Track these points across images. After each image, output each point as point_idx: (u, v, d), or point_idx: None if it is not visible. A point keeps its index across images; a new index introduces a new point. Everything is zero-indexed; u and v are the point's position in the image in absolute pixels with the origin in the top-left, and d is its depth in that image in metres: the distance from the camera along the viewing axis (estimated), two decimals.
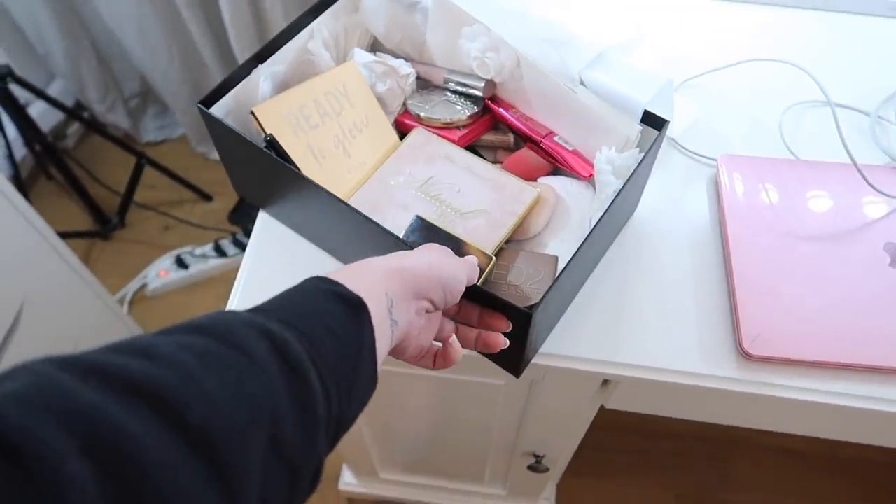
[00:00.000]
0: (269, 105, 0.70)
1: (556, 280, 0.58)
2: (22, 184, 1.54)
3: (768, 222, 0.76)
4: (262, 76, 0.73)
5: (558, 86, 0.71)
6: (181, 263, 1.77)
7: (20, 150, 1.75)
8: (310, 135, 0.72)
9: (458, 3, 0.74)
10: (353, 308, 0.42)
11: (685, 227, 0.78)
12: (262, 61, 0.74)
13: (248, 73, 0.73)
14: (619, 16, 0.97)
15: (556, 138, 0.75)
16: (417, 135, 0.77)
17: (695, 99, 0.90)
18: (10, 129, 1.49)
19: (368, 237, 0.66)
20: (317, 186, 0.65)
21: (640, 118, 0.69)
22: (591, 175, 0.73)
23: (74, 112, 1.65)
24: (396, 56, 0.84)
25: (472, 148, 0.80)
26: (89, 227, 1.85)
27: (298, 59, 0.78)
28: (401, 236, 0.67)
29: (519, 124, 0.76)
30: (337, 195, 0.69)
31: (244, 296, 0.75)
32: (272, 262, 0.78)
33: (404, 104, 0.80)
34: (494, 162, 0.81)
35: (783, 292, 0.71)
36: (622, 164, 0.67)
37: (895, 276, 0.72)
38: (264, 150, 0.68)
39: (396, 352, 0.50)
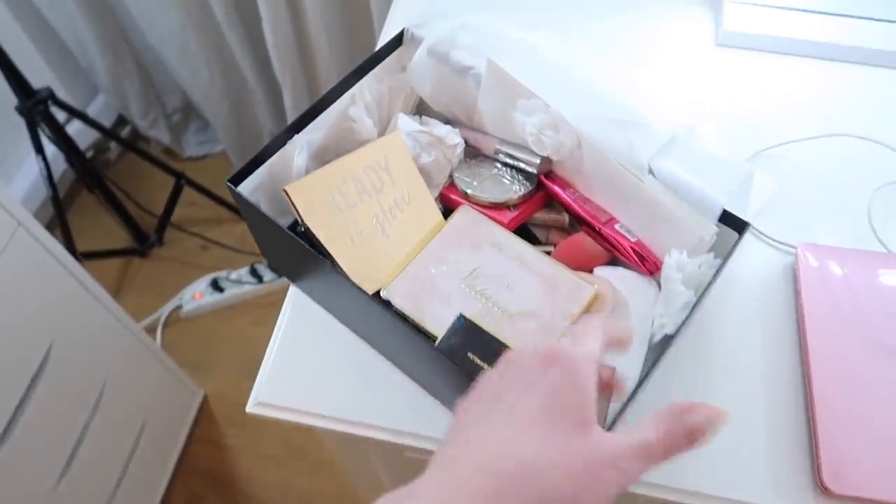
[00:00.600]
0: (303, 183, 0.64)
1: (623, 408, 0.51)
2: (60, 203, 1.52)
3: (857, 332, 0.67)
4: (298, 149, 0.67)
5: (624, 173, 0.63)
6: (216, 286, 1.74)
7: (61, 166, 1.74)
8: (346, 214, 0.66)
9: (515, 73, 0.67)
10: None
11: (757, 326, 0.70)
12: (299, 131, 0.68)
13: (283, 143, 0.67)
14: (690, 90, 0.89)
15: (617, 226, 0.68)
16: (463, 215, 0.70)
17: (771, 172, 0.81)
18: (50, 149, 1.48)
19: (400, 334, 0.60)
20: (346, 279, 0.59)
21: (716, 217, 0.61)
22: (655, 272, 0.66)
23: (112, 132, 1.62)
24: (443, 118, 0.78)
25: (524, 226, 0.73)
26: (127, 245, 1.83)
27: (338, 125, 0.72)
28: (441, 336, 0.61)
29: (576, 207, 0.69)
30: (368, 288, 0.64)
31: (272, 374, 0.70)
32: (302, 340, 0.72)
33: (451, 176, 0.74)
34: (546, 242, 0.74)
35: (873, 418, 0.62)
36: (695, 272, 0.59)
37: None
38: (293, 235, 0.62)
39: None
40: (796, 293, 0.72)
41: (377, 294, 0.66)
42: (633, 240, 0.67)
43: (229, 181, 0.64)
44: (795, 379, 0.67)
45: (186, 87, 1.71)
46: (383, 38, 0.94)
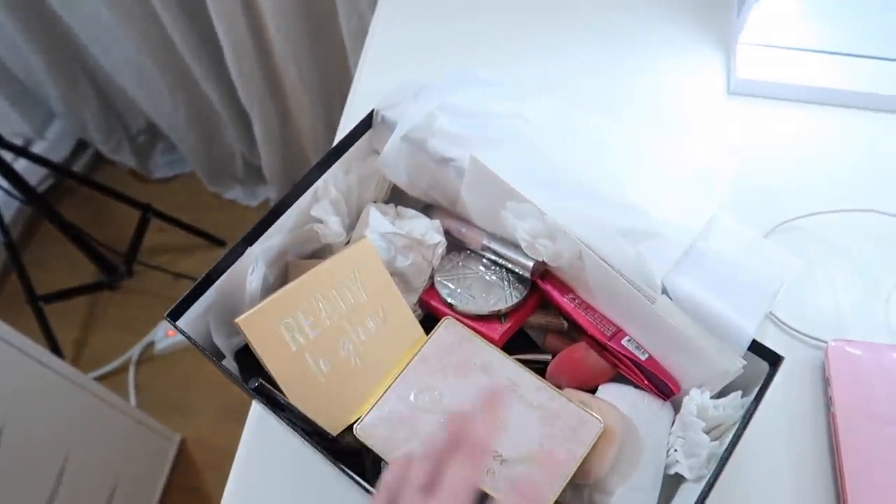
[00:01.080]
0: (258, 314, 0.55)
1: None
2: (14, 248, 1.41)
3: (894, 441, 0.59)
4: (250, 267, 0.57)
5: (632, 292, 0.54)
6: None
7: (15, 203, 1.62)
8: (311, 344, 0.57)
9: (503, 168, 0.58)
10: None
11: (783, 435, 0.62)
12: (252, 243, 0.58)
13: (234, 261, 0.58)
14: (703, 151, 0.79)
15: (625, 341, 0.59)
16: (447, 331, 0.61)
17: (792, 247, 0.72)
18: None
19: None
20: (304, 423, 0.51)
21: (744, 348, 0.52)
22: (669, 397, 0.57)
23: (63, 168, 1.51)
24: (422, 203, 0.68)
25: (517, 332, 0.64)
26: (95, 279, 1.72)
27: (299, 227, 0.63)
28: None
29: (578, 316, 0.60)
30: (337, 426, 0.55)
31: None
32: (266, 463, 0.64)
33: (431, 277, 0.64)
34: (543, 347, 0.65)
35: None
36: (719, 417, 0.51)
37: None
38: (239, 381, 0.53)
39: None
40: (827, 397, 0.63)
41: (350, 428, 0.57)
42: (643, 357, 0.58)
43: (168, 315, 0.55)
44: (828, 488, 0.59)
45: (149, 112, 1.60)
46: (348, 113, 0.84)
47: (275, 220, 0.60)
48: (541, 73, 0.85)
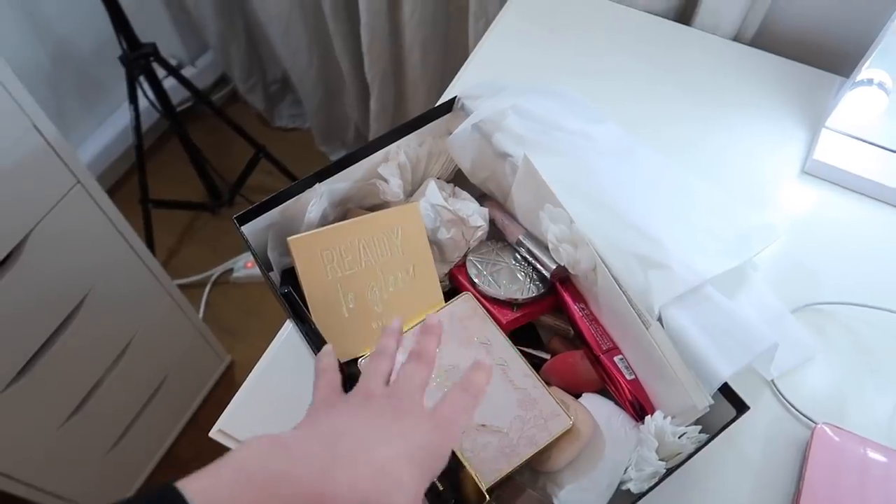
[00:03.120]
0: (308, 238, 0.63)
1: None
2: (142, 152, 1.59)
3: None
4: (314, 199, 0.66)
5: (630, 313, 0.59)
6: None
7: (154, 116, 1.82)
8: (345, 277, 0.65)
9: (550, 174, 0.64)
10: None
11: (748, 487, 0.64)
12: (322, 180, 0.67)
13: (303, 190, 0.67)
14: (761, 212, 0.82)
15: (617, 359, 0.63)
16: (463, 304, 0.67)
17: (815, 329, 0.74)
18: (145, 101, 1.54)
19: None
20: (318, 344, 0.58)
21: (713, 389, 0.56)
22: (642, 420, 0.61)
23: (204, 96, 1.68)
24: (479, 191, 0.75)
25: (530, 324, 0.70)
26: (202, 199, 1.90)
27: (366, 179, 0.71)
28: None
29: (582, 325, 0.65)
30: (342, 355, 0.63)
31: (241, 405, 0.70)
32: (283, 377, 0.72)
33: (466, 254, 0.71)
34: (546, 347, 0.71)
35: None
36: (673, 443, 0.55)
37: None
38: (275, 291, 0.61)
39: None
40: (800, 475, 0.65)
41: (355, 361, 0.65)
42: (629, 378, 0.63)
43: (237, 218, 0.64)
44: None
45: (286, 65, 1.75)
46: (446, 97, 0.91)
47: (347, 167, 0.68)
48: (628, 113, 0.90)
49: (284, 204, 0.66)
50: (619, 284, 0.59)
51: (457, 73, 0.96)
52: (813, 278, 0.77)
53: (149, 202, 1.67)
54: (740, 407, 0.55)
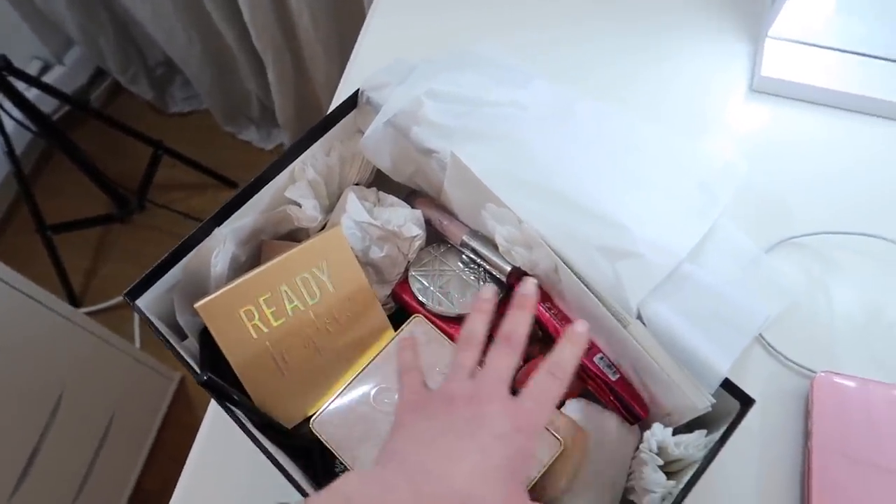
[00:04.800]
0: (219, 300, 0.53)
1: None
2: (24, 179, 1.41)
3: (869, 488, 0.57)
4: (217, 248, 0.55)
5: (605, 313, 0.51)
6: None
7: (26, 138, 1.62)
8: (273, 332, 0.55)
9: (486, 168, 0.54)
10: None
11: (757, 464, 0.60)
12: (221, 223, 0.57)
13: (201, 240, 0.56)
14: (715, 146, 0.74)
15: (597, 358, 0.56)
16: (415, 329, 0.59)
17: (795, 265, 0.68)
18: (10, 122, 1.35)
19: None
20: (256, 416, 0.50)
21: (714, 387, 0.49)
22: (636, 421, 0.55)
23: (73, 99, 1.49)
24: (407, 189, 0.65)
25: (492, 335, 0.62)
26: (107, 212, 1.73)
27: (274, 208, 0.60)
28: None
29: (552, 326, 0.58)
30: (291, 418, 0.55)
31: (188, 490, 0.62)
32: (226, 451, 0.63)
33: (406, 270, 0.62)
34: None
35: None
36: (680, 457, 0.49)
37: None
38: (193, 367, 0.52)
39: None
40: (806, 430, 0.61)
41: (306, 422, 0.56)
42: (613, 378, 0.56)
43: (127, 295, 0.53)
44: None
45: (164, 47, 1.56)
46: (341, 92, 0.80)
47: (246, 200, 0.58)
48: (554, 61, 0.80)
49: (183, 260, 0.56)
50: (586, 285, 0.52)
51: (355, 27, 0.84)
52: (782, 209, 0.71)
53: (47, 229, 1.51)
54: (745, 400, 0.49)
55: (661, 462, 0.49)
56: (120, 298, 1.67)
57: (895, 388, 0.61)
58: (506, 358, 0.45)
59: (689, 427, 0.52)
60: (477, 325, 0.49)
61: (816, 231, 0.68)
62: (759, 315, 0.51)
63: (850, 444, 0.59)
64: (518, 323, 0.47)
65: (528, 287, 0.49)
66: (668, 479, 0.49)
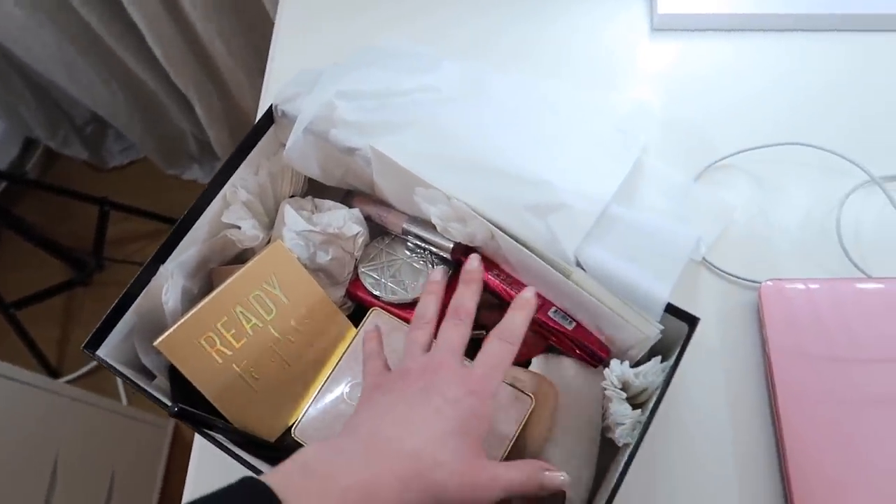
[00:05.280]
0: (177, 334, 0.54)
1: None
2: None
3: (829, 380, 0.60)
4: (165, 285, 0.56)
5: (546, 269, 0.53)
6: None
7: None
8: (238, 354, 0.56)
9: (408, 154, 0.56)
10: None
11: (722, 377, 0.63)
12: (164, 260, 0.57)
13: (147, 281, 0.57)
14: (628, 88, 0.76)
15: (552, 312, 0.58)
16: (375, 321, 0.60)
17: (724, 188, 0.71)
18: None
19: None
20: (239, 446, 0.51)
21: (659, 314, 0.52)
22: (599, 363, 0.57)
23: (7, 174, 1.48)
24: (342, 191, 0.67)
25: None
26: (66, 278, 1.71)
27: (214, 234, 0.61)
28: None
29: (503, 291, 0.59)
30: (274, 431, 0.56)
31: None
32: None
33: (356, 268, 0.63)
34: (476, 324, 0.65)
35: (851, 484, 0.56)
36: (640, 385, 0.51)
37: None
38: (163, 402, 0.53)
39: None
40: (762, 338, 0.64)
41: (288, 432, 0.58)
42: (570, 327, 0.58)
43: (86, 347, 0.54)
44: (766, 431, 0.60)
45: (87, 103, 1.55)
46: (261, 110, 0.80)
47: (184, 234, 0.58)
48: (457, 38, 0.82)
49: (134, 304, 0.56)
50: (523, 244, 0.54)
51: (267, 39, 0.85)
52: (704, 137, 0.74)
53: (9, 307, 1.49)
54: (691, 320, 0.51)
55: (625, 395, 0.51)
56: (94, 363, 1.67)
57: (837, 283, 0.64)
58: (455, 329, 0.48)
59: (650, 359, 0.54)
60: (428, 305, 0.51)
61: (738, 150, 0.71)
62: (689, 238, 0.54)
63: (803, 341, 0.62)
64: (465, 297, 0.50)
65: (472, 263, 0.51)
66: (635, 409, 0.52)
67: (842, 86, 0.74)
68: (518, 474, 0.43)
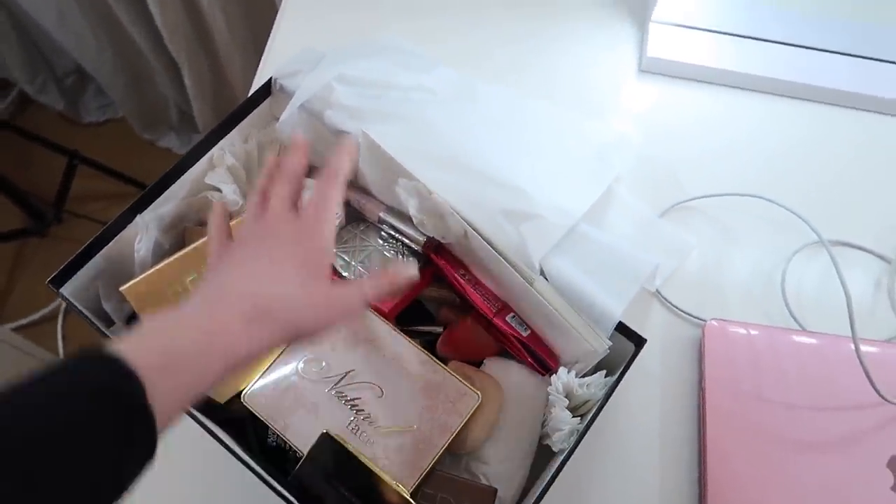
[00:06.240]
0: (145, 282, 0.55)
1: None
2: None
3: (756, 421, 0.63)
4: (139, 235, 0.57)
5: (512, 273, 0.56)
6: None
7: None
8: None
9: (396, 144, 0.58)
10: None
11: (658, 404, 0.66)
12: (140, 211, 0.58)
13: (121, 228, 0.57)
14: (610, 121, 0.80)
15: (510, 317, 0.61)
16: None
17: (686, 227, 0.75)
18: None
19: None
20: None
21: (610, 330, 0.55)
22: (547, 372, 0.60)
23: None
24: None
25: (414, 303, 0.66)
26: (22, 226, 1.67)
27: (194, 194, 0.62)
28: (303, 454, 0.54)
29: (468, 291, 0.62)
30: (223, 394, 0.57)
31: None
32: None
33: None
34: (437, 319, 0.67)
35: None
36: (583, 396, 0.54)
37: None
38: None
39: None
40: (700, 371, 0.67)
41: (238, 396, 0.59)
42: (525, 333, 0.61)
43: (51, 282, 0.55)
44: (692, 456, 0.64)
45: (74, 54, 1.53)
46: (262, 67, 0.82)
47: (166, 188, 0.59)
48: (454, 45, 0.85)
49: (105, 248, 0.57)
50: (493, 247, 0.56)
51: (268, 28, 0.87)
52: (673, 177, 0.78)
53: None
54: (638, 341, 0.55)
55: (567, 403, 0.54)
56: (41, 313, 1.64)
57: (775, 331, 0.68)
58: (287, 186, 0.46)
59: (596, 370, 0.57)
60: (289, 163, 0.47)
61: (704, 195, 0.75)
62: (648, 265, 0.57)
63: (737, 379, 0.65)
64: (291, 159, 0.47)
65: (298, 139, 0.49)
66: (574, 418, 0.54)
67: (805, 150, 0.79)
68: (358, 283, 0.45)
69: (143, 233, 0.57)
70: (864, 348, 0.62)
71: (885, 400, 0.62)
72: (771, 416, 0.64)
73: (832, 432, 0.63)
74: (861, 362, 0.61)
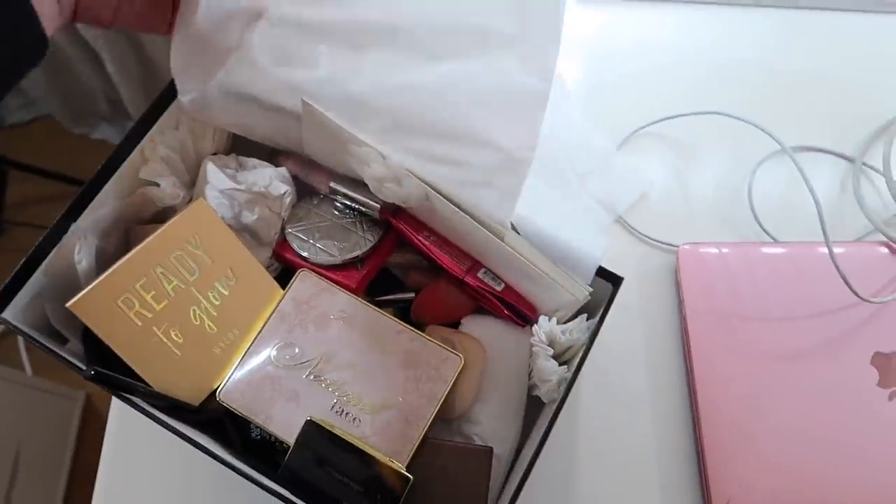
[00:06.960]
0: (92, 295, 0.51)
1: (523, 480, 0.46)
2: None
3: (739, 338, 0.64)
4: (77, 245, 0.53)
5: (480, 230, 0.54)
6: None
7: None
8: (157, 316, 0.54)
9: (339, 111, 0.55)
10: None
11: (640, 336, 0.66)
12: (75, 218, 0.54)
13: (57, 240, 0.53)
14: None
15: (481, 273, 0.59)
16: (302, 284, 0.59)
17: (648, 154, 0.73)
18: None
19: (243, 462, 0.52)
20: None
21: (590, 277, 0.53)
22: (527, 323, 0.59)
23: None
24: (269, 148, 0.65)
25: (382, 273, 0.63)
26: None
27: (133, 190, 0.58)
28: (290, 444, 0.53)
29: (434, 253, 0.59)
30: (197, 396, 0.55)
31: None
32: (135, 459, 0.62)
33: (283, 229, 0.62)
34: (408, 285, 0.65)
35: (758, 435, 0.60)
36: (566, 342, 0.53)
37: (883, 401, 0.61)
38: (79, 367, 0.50)
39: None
40: (679, 298, 0.67)
41: (213, 396, 0.56)
42: (499, 288, 0.59)
43: None
44: (680, 385, 0.64)
45: None
46: None
47: (98, 191, 0.55)
48: None
49: (44, 264, 0.53)
50: (458, 206, 0.54)
51: None
52: (628, 104, 0.76)
53: None
54: (615, 280, 0.53)
55: (552, 352, 0.52)
56: None
57: (747, 247, 0.68)
58: None
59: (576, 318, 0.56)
60: None
61: (658, 119, 0.73)
62: (619, 204, 0.55)
63: (717, 301, 0.65)
64: None
65: None
66: (561, 366, 0.53)
67: (759, 59, 0.77)
68: None
69: (80, 242, 0.53)
70: (836, 250, 0.62)
71: (863, 299, 0.62)
72: (753, 331, 0.64)
73: (815, 338, 0.63)
74: (836, 266, 0.61)
